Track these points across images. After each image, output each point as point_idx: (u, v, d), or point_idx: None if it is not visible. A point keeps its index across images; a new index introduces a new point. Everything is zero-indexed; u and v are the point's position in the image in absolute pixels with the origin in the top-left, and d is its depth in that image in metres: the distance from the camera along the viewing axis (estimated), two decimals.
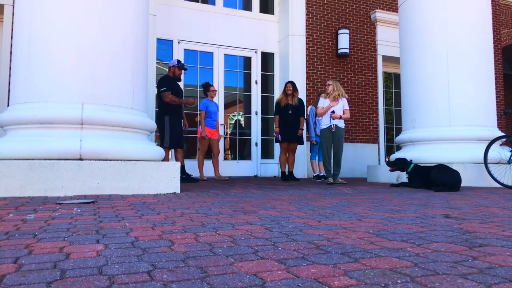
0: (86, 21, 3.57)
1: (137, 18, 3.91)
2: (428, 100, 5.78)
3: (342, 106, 5.94)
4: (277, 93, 8.22)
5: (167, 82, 5.61)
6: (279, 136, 6.57)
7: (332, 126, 5.84)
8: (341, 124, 5.93)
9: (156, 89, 5.71)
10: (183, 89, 6.44)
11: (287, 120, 6.51)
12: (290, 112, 6.52)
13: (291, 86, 6.58)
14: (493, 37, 8.34)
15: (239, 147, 8.29)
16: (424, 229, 1.85)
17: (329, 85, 6.04)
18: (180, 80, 5.91)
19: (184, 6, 7.87)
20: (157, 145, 4.53)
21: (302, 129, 6.60)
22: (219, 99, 8.06)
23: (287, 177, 6.61)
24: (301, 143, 6.72)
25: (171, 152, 6.16)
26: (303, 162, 8.00)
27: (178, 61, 5.78)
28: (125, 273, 1.09)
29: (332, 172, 5.87)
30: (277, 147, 8.28)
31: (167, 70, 7.04)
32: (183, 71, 5.91)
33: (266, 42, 8.56)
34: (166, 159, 5.44)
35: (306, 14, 8.40)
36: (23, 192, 3.21)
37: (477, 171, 5.32)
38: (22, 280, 1.02)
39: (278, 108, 6.62)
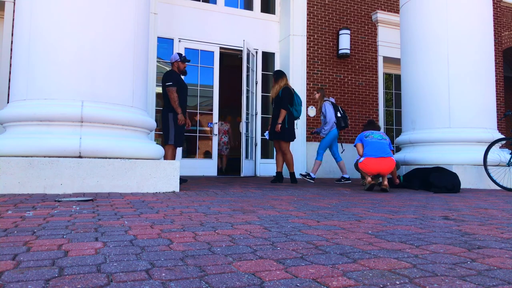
0: (87, 19, 3.56)
1: (138, 17, 3.90)
2: (428, 101, 5.78)
3: None
4: None
5: (173, 77, 5.33)
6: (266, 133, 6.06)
7: None
8: None
9: (162, 83, 5.46)
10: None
11: (272, 114, 5.91)
12: (273, 105, 5.92)
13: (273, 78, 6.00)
14: (494, 39, 8.34)
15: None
16: (423, 231, 1.85)
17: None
18: (185, 73, 5.67)
19: (185, 5, 7.87)
20: (157, 143, 4.51)
21: (280, 123, 5.69)
22: (220, 97, 8.05)
23: (288, 179, 6.04)
24: (285, 139, 5.78)
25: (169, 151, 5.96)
26: (302, 162, 7.99)
27: (180, 55, 5.58)
28: (124, 271, 1.09)
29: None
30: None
31: (167, 68, 7.03)
32: (186, 63, 5.66)
33: (267, 42, 8.56)
34: (171, 157, 5.30)
35: (307, 14, 8.39)
36: (22, 189, 3.21)
37: (476, 173, 5.33)
38: (21, 277, 1.02)
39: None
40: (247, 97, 7.74)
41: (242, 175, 7.48)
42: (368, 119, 5.46)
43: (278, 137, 5.81)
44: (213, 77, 8.07)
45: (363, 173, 4.77)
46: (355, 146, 4.94)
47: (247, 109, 7.70)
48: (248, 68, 7.87)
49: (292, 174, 5.94)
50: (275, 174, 6.11)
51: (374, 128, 5.15)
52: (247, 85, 7.78)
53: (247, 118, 7.68)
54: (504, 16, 10.38)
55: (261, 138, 8.37)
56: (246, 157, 7.77)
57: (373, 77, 8.99)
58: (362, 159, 4.75)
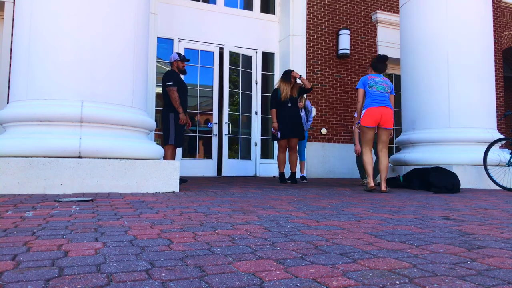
0: (87, 19, 3.56)
1: (138, 16, 3.90)
2: (428, 101, 5.78)
3: None
4: None
5: (174, 77, 5.33)
6: (278, 133, 5.81)
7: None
8: None
9: (162, 83, 5.47)
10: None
11: (286, 113, 5.80)
12: (289, 104, 5.82)
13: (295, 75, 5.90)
14: (494, 39, 8.35)
15: (238, 147, 8.30)
16: (423, 231, 1.85)
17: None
18: (185, 72, 5.67)
19: (185, 5, 7.87)
20: (157, 143, 4.51)
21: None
22: (220, 97, 8.06)
23: (289, 179, 5.93)
24: (303, 138, 6.00)
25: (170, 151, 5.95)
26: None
27: (179, 54, 5.58)
28: (123, 271, 1.09)
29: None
30: (276, 147, 8.28)
31: (167, 68, 7.03)
32: (185, 63, 5.66)
33: (267, 42, 8.56)
34: (171, 158, 5.31)
35: (307, 14, 8.40)
36: (22, 189, 3.21)
37: (476, 173, 5.33)
38: (20, 277, 1.02)
39: (275, 100, 5.85)
40: (231, 98, 7.89)
41: (222, 175, 7.71)
42: (380, 54, 4.83)
43: (298, 135, 5.88)
44: (213, 77, 8.07)
45: (366, 168, 4.56)
46: (357, 89, 4.68)
47: (230, 109, 7.86)
48: (235, 70, 8.03)
49: (294, 174, 5.96)
50: (277, 175, 6.11)
51: (381, 69, 4.80)
52: (234, 87, 7.94)
53: (228, 119, 7.82)
54: (504, 16, 10.38)
55: (261, 138, 8.37)
56: (233, 157, 7.93)
57: None
58: (362, 113, 4.56)
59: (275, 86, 6.07)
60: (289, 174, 6.11)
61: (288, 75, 5.90)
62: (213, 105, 8.02)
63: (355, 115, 5.71)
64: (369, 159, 4.59)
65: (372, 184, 4.51)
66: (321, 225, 1.96)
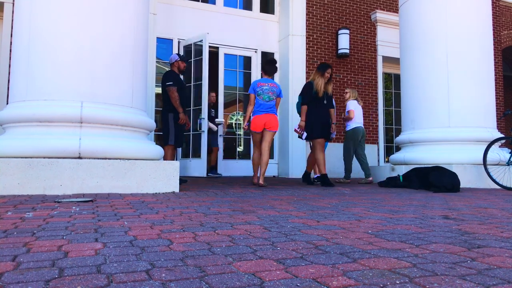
0: (86, 19, 3.56)
1: (137, 17, 3.91)
2: (428, 101, 5.78)
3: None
4: None
5: (173, 77, 5.34)
6: (304, 133, 5.42)
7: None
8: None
9: (162, 84, 5.46)
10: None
11: (321, 111, 5.29)
12: (325, 102, 5.33)
13: (331, 71, 5.40)
14: (493, 39, 8.34)
15: (238, 147, 8.31)
16: (423, 230, 1.85)
17: (346, 93, 6.92)
18: (184, 73, 5.68)
19: (184, 5, 7.87)
20: (156, 144, 4.51)
21: (335, 123, 5.59)
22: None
23: (318, 180, 5.58)
24: (330, 139, 5.60)
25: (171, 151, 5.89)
26: (302, 159, 7.94)
27: (179, 55, 5.57)
28: (124, 271, 1.09)
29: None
30: (276, 146, 8.27)
31: (166, 69, 7.03)
32: (185, 63, 5.64)
33: (266, 42, 8.56)
34: (171, 158, 5.31)
35: (307, 14, 8.39)
36: (22, 190, 3.21)
37: (476, 172, 5.33)
38: (20, 278, 1.02)
39: (309, 96, 5.27)
40: (230, 97, 7.93)
41: (218, 173, 7.81)
42: (271, 58, 5.25)
43: (328, 137, 5.43)
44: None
45: (253, 164, 5.27)
46: (249, 94, 5.24)
47: (230, 109, 7.89)
48: (234, 70, 8.16)
49: (325, 175, 5.30)
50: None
51: (270, 71, 5.34)
52: (233, 87, 8.01)
53: (223, 120, 7.88)
54: (503, 15, 10.39)
55: None
56: (233, 157, 8.05)
57: (373, 76, 8.99)
58: (251, 118, 5.20)
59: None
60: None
61: (324, 68, 5.36)
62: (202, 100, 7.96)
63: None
64: (256, 158, 5.26)
65: (256, 180, 5.12)
66: (321, 225, 1.96)
